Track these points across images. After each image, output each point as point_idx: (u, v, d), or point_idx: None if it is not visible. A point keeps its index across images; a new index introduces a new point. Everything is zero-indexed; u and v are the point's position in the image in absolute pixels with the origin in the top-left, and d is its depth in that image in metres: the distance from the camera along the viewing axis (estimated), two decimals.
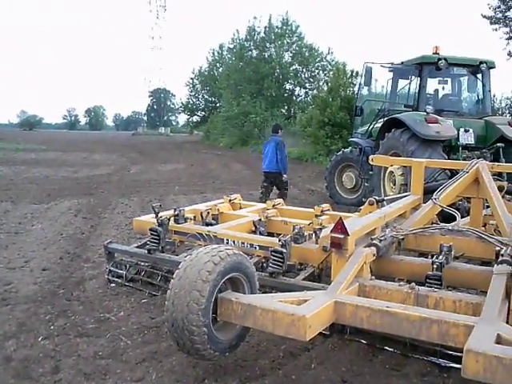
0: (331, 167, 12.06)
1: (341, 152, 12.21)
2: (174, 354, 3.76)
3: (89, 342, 4.05)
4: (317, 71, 39.63)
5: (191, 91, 55.08)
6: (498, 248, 3.75)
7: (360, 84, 11.55)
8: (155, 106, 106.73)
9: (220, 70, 49.26)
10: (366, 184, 10.59)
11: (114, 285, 5.38)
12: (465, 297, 3.44)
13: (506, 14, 20.37)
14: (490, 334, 2.60)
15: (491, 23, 20.67)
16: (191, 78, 54.74)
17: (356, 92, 12.46)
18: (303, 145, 25.96)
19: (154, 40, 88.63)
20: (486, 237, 4.22)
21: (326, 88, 25.84)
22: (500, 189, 5.33)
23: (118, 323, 4.42)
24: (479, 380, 2.44)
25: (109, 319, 4.51)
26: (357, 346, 3.95)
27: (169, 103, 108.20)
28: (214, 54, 51.36)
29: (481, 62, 9.90)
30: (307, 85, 39.95)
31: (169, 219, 5.44)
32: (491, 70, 10.19)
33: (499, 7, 20.33)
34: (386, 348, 3.84)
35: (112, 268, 5.54)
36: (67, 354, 3.83)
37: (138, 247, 5.54)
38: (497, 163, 6.71)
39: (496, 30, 20.57)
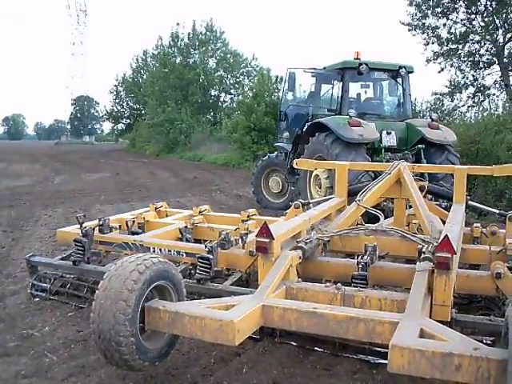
0: (257, 172, 12.13)
1: (267, 157, 12.29)
2: (103, 366, 3.66)
3: (10, 361, 3.85)
4: (242, 77, 40.03)
5: (115, 98, 54.07)
6: (420, 246, 3.84)
7: (284, 89, 11.67)
8: (78, 114, 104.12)
9: (144, 76, 48.66)
10: (293, 188, 10.69)
11: (37, 299, 5.18)
12: (390, 295, 3.51)
13: (423, 22, 21.02)
14: (414, 329, 2.67)
15: (409, 30, 21.29)
16: (115, 85, 53.73)
17: (280, 97, 12.55)
18: (229, 150, 26.02)
19: (74, 46, 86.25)
20: (408, 236, 4.33)
21: (250, 94, 25.98)
22: (421, 189, 5.47)
23: (42, 339, 4.25)
24: (405, 373, 2.51)
25: (32, 335, 4.33)
26: (287, 348, 3.97)
27: (93, 111, 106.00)
28: (137, 60, 50.63)
29: (400, 67, 10.21)
30: (232, 91, 40.26)
31: (93, 229, 5.30)
32: (410, 75, 10.50)
33: (416, 15, 20.97)
34: (316, 349, 3.88)
35: (35, 282, 5.34)
36: None
37: (62, 259, 5.36)
38: (418, 164, 6.94)
39: (414, 35, 21.23)
